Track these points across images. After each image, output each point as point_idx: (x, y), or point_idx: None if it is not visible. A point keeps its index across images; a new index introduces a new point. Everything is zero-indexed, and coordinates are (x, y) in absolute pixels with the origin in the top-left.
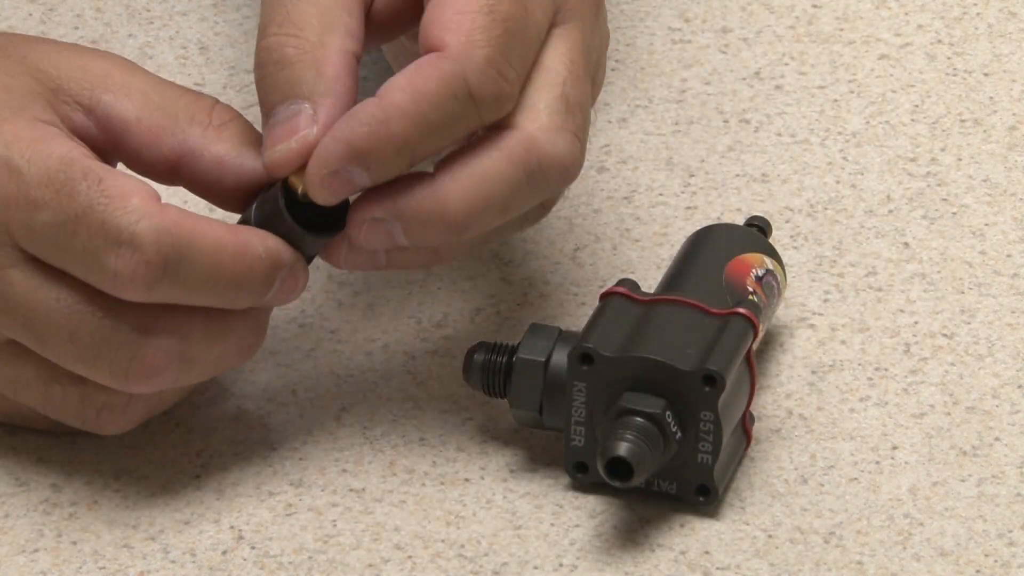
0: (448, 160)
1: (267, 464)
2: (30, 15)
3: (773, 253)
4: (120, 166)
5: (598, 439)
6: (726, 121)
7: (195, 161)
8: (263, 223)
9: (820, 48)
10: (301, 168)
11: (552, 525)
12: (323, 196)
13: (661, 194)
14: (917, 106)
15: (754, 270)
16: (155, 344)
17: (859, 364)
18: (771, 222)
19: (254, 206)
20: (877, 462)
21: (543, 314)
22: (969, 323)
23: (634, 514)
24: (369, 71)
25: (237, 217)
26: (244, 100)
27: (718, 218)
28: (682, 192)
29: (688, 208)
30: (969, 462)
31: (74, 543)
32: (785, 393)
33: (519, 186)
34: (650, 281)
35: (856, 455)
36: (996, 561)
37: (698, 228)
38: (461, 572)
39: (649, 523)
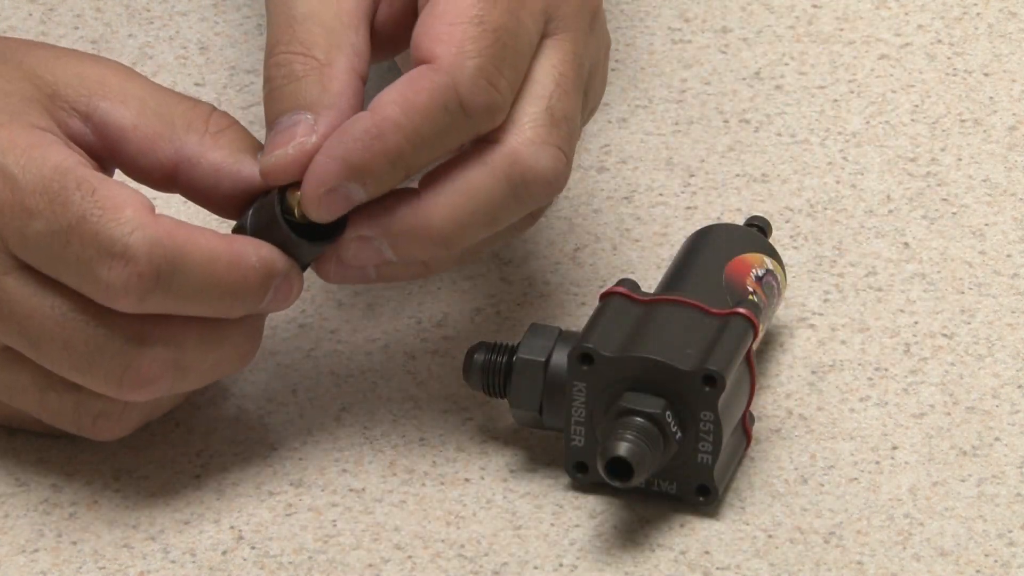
0: (433, 175)
1: (267, 464)
2: (30, 15)
3: (773, 253)
4: (117, 173)
5: (598, 439)
6: (726, 121)
7: (192, 168)
8: (259, 231)
9: (820, 48)
10: (297, 187)
11: (552, 525)
12: (320, 215)
13: (661, 194)
14: (917, 106)
15: (754, 270)
16: (150, 353)
17: (859, 364)
18: (771, 222)
19: (250, 213)
20: (877, 462)
21: (543, 314)
22: (969, 323)
23: (634, 514)
24: (371, 82)
25: (233, 224)
26: (244, 100)
27: (718, 218)
28: (682, 192)
29: (688, 208)
30: (969, 462)
31: (74, 543)
32: (785, 393)
33: (503, 200)
34: (650, 281)
35: (856, 455)
36: (996, 561)
37: (698, 228)
38: (461, 572)
39: (649, 523)
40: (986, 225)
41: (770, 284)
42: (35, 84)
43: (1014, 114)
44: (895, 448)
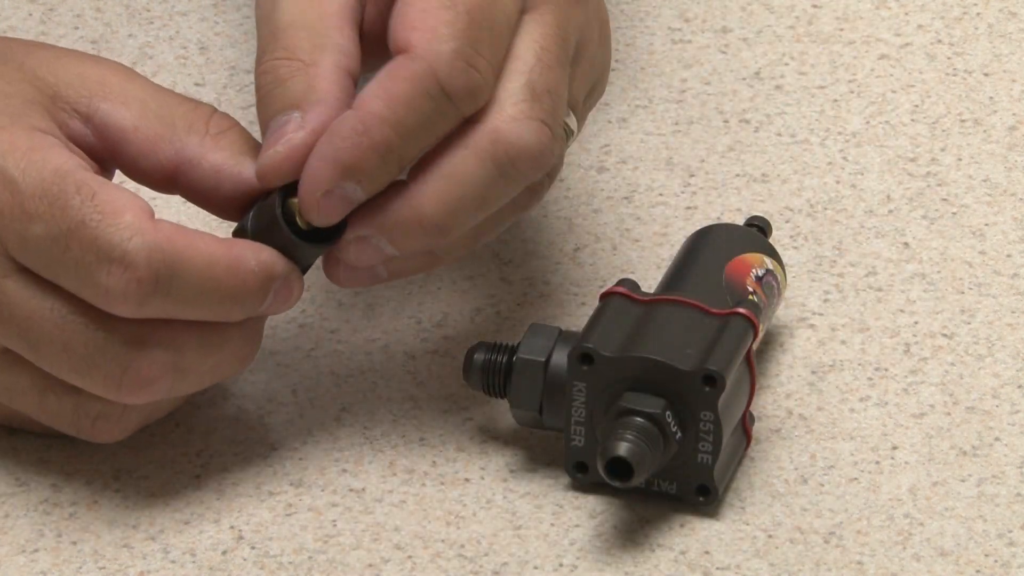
0: (420, 165)
1: (267, 464)
2: (30, 15)
3: (773, 253)
4: (117, 176)
5: (598, 439)
6: (726, 121)
7: (192, 169)
8: (260, 233)
9: (820, 48)
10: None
11: (552, 525)
12: (321, 219)
13: (661, 194)
14: (917, 106)
15: (754, 270)
16: (149, 356)
17: (859, 364)
18: (771, 222)
19: (250, 215)
20: (877, 462)
21: (543, 314)
22: (969, 323)
23: (634, 514)
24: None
25: (233, 226)
26: (244, 100)
27: (718, 218)
28: (682, 192)
29: (688, 208)
30: (969, 462)
31: (74, 543)
32: (785, 393)
33: (491, 180)
34: (650, 281)
35: (856, 455)
36: (996, 561)
37: (698, 228)
38: (461, 572)
39: (649, 523)
40: (986, 225)
41: (770, 284)
42: (36, 86)
43: (1014, 114)
44: (895, 448)
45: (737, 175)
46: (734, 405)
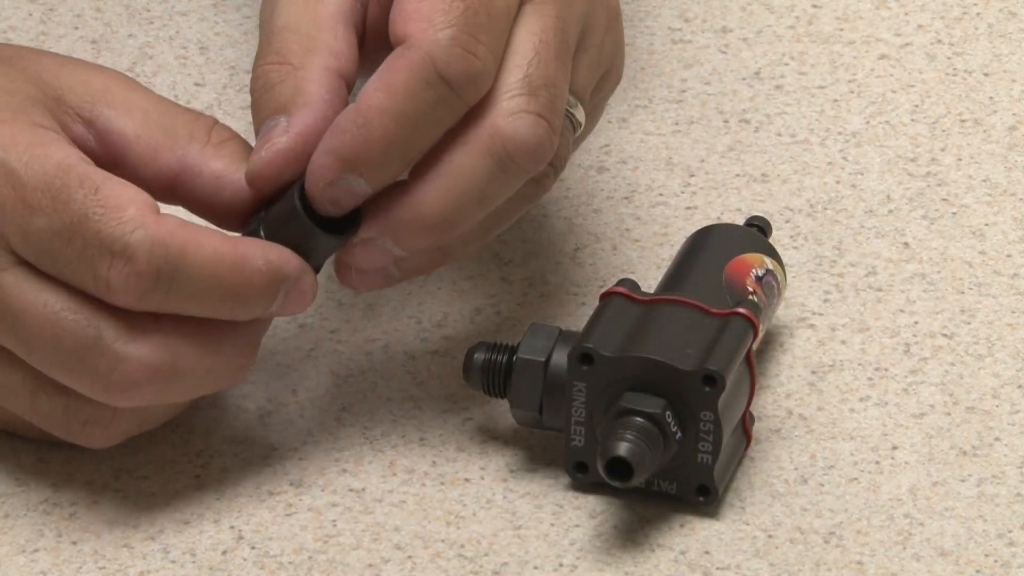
0: (419, 163)
1: (267, 464)
2: (30, 15)
3: (773, 253)
4: None
5: (598, 439)
6: (726, 121)
7: (193, 178)
8: (276, 225)
9: (820, 48)
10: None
11: (552, 525)
12: (326, 208)
13: (661, 194)
14: (917, 106)
15: (754, 270)
16: (137, 357)
17: (859, 364)
18: (771, 222)
19: (262, 215)
20: (877, 462)
21: (543, 314)
22: (969, 323)
23: (634, 514)
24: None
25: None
26: (244, 100)
27: (718, 218)
28: (682, 192)
29: (688, 208)
30: (969, 462)
31: (74, 543)
32: (785, 393)
33: (491, 176)
34: (650, 281)
35: (856, 455)
36: (996, 561)
37: (698, 228)
38: (461, 572)
39: (649, 523)
40: (986, 225)
41: (770, 284)
42: (40, 88)
43: (1014, 114)
44: (895, 448)
45: (737, 175)
46: (734, 405)
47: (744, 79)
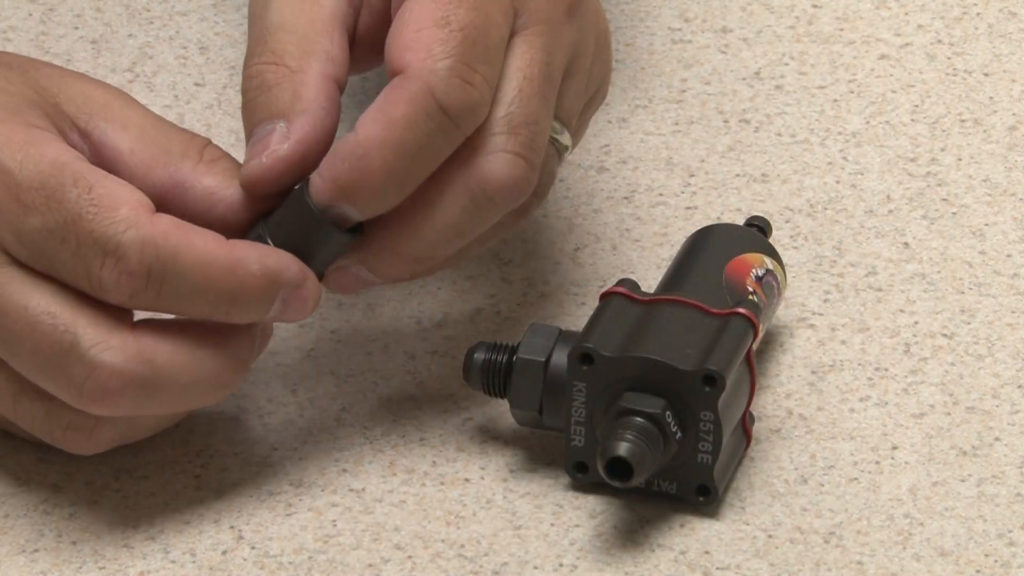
0: None
1: (267, 464)
2: (30, 15)
3: (773, 253)
4: None
5: (598, 439)
6: (726, 121)
7: (184, 193)
8: (284, 228)
9: (820, 48)
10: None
11: (552, 525)
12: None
13: (661, 194)
14: (917, 106)
15: (754, 270)
16: (111, 365)
17: (859, 364)
18: (771, 222)
19: (264, 221)
20: (877, 462)
21: (543, 314)
22: (969, 323)
23: (634, 514)
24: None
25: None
26: None
27: (718, 218)
28: (682, 192)
29: (688, 208)
30: (969, 462)
31: (74, 543)
32: (785, 393)
33: (468, 213)
34: (650, 281)
35: (856, 455)
36: (996, 561)
37: (698, 228)
38: (461, 572)
39: (649, 523)
40: (986, 225)
41: (770, 284)
42: (39, 93)
43: (1014, 114)
44: (895, 448)
45: (737, 175)
46: (734, 405)
47: (744, 79)
